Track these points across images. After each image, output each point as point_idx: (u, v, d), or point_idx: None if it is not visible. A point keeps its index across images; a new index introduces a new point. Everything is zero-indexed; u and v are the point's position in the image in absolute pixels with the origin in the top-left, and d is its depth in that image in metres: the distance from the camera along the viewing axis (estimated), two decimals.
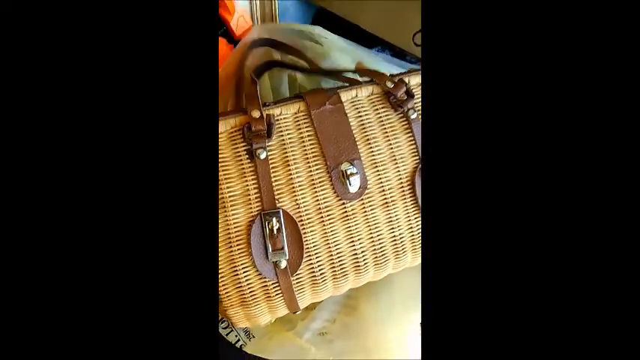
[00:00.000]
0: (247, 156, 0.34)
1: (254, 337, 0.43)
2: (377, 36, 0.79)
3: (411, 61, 0.70)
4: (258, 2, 0.58)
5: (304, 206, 0.35)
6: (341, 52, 0.51)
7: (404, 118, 0.37)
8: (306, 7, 0.67)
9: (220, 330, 0.44)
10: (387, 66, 0.52)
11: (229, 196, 0.33)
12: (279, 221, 0.33)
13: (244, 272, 0.34)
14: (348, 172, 0.35)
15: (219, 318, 0.44)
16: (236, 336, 0.43)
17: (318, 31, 0.52)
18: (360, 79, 0.45)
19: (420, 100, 0.38)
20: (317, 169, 0.35)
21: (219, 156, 0.33)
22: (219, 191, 0.33)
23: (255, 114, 0.34)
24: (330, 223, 0.35)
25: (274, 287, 0.35)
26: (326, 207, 0.35)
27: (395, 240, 0.37)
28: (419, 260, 0.40)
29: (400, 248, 0.37)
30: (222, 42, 0.55)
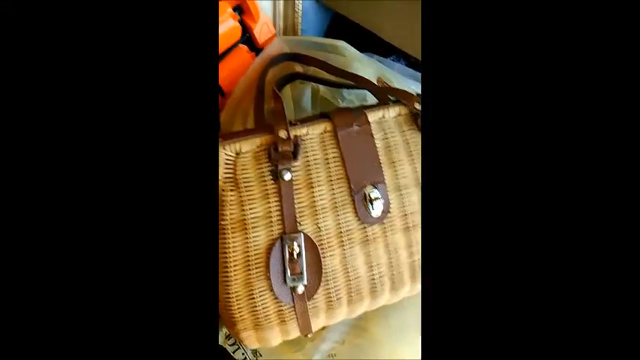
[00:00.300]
0: (271, 177, 0.33)
1: (261, 355, 0.42)
2: (392, 45, 0.78)
3: None
4: (281, 11, 0.57)
5: (325, 230, 0.34)
6: (363, 64, 0.51)
7: None
8: (324, 10, 0.67)
9: (227, 347, 0.43)
10: (405, 81, 0.51)
11: (251, 218, 0.32)
12: (299, 245, 0.33)
13: (261, 296, 0.33)
14: (372, 197, 0.34)
15: (227, 335, 0.43)
16: (243, 354, 0.42)
17: (341, 44, 0.51)
18: (380, 85, 0.44)
19: None
20: (340, 192, 0.34)
21: (244, 176, 0.33)
22: (242, 213, 0.32)
23: (283, 134, 0.33)
24: (349, 247, 0.34)
25: (289, 312, 0.34)
26: (347, 231, 0.34)
27: (414, 263, 0.36)
28: None
29: (418, 272, 0.36)
30: (244, 49, 0.54)
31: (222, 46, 0.51)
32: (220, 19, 0.49)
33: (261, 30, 0.53)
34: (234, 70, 0.52)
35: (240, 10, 0.52)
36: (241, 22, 0.52)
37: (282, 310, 0.34)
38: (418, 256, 0.36)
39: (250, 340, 0.35)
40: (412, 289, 0.38)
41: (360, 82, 0.42)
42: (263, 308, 0.33)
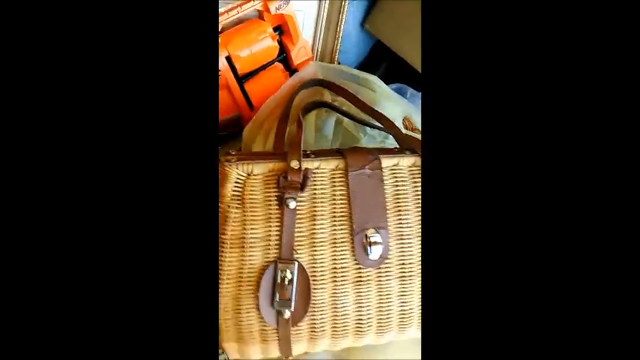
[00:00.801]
0: (277, 202, 0.34)
1: None
2: None
3: None
4: (322, 36, 0.59)
5: (320, 262, 0.35)
6: (391, 103, 0.51)
7: None
8: (367, 35, 0.68)
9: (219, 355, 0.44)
10: None
11: (251, 238, 0.34)
12: (292, 272, 0.34)
13: (247, 312, 0.34)
14: (372, 240, 0.35)
15: None
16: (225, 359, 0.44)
17: (373, 79, 0.52)
18: (404, 131, 0.45)
19: None
20: (341, 230, 0.35)
21: (251, 197, 0.34)
22: (242, 231, 0.34)
23: (294, 165, 0.34)
24: (342, 285, 0.35)
25: (272, 333, 0.35)
26: (342, 268, 0.35)
27: (403, 313, 0.36)
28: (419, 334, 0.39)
29: (407, 321, 0.37)
30: (279, 68, 0.56)
31: (257, 63, 0.53)
32: (259, 37, 0.51)
33: (298, 52, 0.55)
34: (266, 85, 0.54)
35: (280, 30, 0.54)
36: (280, 42, 0.54)
37: (265, 329, 0.35)
38: (410, 307, 0.36)
39: (232, 350, 0.36)
40: (398, 336, 0.38)
41: (384, 124, 0.43)
42: (248, 324, 0.34)
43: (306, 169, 0.34)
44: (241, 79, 0.53)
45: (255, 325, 0.35)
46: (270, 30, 0.52)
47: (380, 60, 0.82)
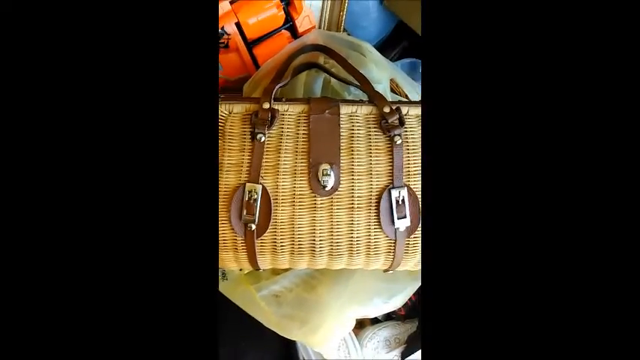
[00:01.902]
0: (250, 136, 0.42)
1: (227, 280, 0.52)
2: None
3: None
4: (328, 7, 0.65)
5: (282, 188, 0.42)
6: (378, 67, 0.56)
7: (389, 142, 0.42)
8: (389, 15, 0.70)
9: None
10: (416, 85, 0.56)
11: (227, 163, 0.42)
12: (257, 193, 0.41)
13: (222, 223, 0.43)
14: (324, 172, 0.41)
15: None
16: None
17: (366, 45, 0.58)
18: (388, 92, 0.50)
19: (410, 128, 0.42)
20: (301, 163, 0.42)
21: (230, 131, 0.42)
22: (221, 158, 0.42)
23: (265, 105, 0.41)
24: (299, 209, 0.42)
25: (242, 243, 0.43)
26: (300, 195, 0.42)
27: (351, 241, 0.43)
28: (374, 266, 0.45)
29: (355, 250, 0.43)
30: (285, 35, 0.63)
31: (264, 30, 0.60)
32: (265, 6, 0.58)
33: (303, 21, 0.62)
34: (273, 50, 0.61)
35: (286, 1, 0.61)
36: (286, 12, 0.61)
37: (235, 240, 0.43)
38: (357, 235, 0.42)
39: None
40: (349, 263, 0.44)
41: (360, 82, 0.49)
42: (222, 233, 0.43)
43: (273, 109, 0.42)
44: (250, 44, 0.61)
45: (227, 235, 0.43)
46: (277, 0, 0.59)
47: (400, 39, 0.85)
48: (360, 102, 0.44)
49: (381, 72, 0.56)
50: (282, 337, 0.48)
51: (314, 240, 0.43)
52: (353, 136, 0.42)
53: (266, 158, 0.42)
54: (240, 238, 0.43)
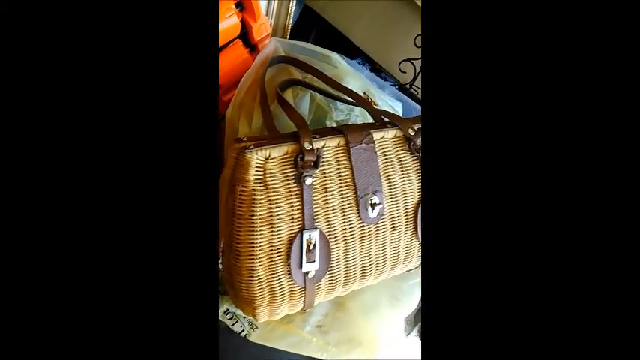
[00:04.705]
0: (294, 180, 0.39)
1: (257, 327, 0.48)
2: (362, 50, 0.86)
3: (385, 79, 0.79)
4: (274, 11, 0.60)
5: (334, 227, 0.41)
6: (352, 78, 0.57)
7: (417, 161, 0.45)
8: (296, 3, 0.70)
9: (226, 320, 0.48)
10: (387, 98, 0.59)
11: (277, 215, 0.38)
12: (315, 238, 0.39)
13: (279, 278, 0.39)
14: (373, 202, 0.42)
15: (225, 310, 0.49)
16: (241, 326, 0.48)
17: (334, 55, 0.57)
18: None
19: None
20: (347, 197, 0.42)
21: (271, 179, 0.38)
22: (269, 210, 0.38)
23: (308, 146, 0.39)
24: (350, 241, 0.42)
25: (300, 291, 0.41)
26: (350, 228, 0.42)
27: (394, 255, 0.46)
28: (406, 269, 0.49)
29: (396, 261, 0.46)
30: (239, 44, 0.56)
31: (222, 41, 0.53)
32: (225, 15, 0.51)
33: (259, 28, 0.56)
34: (231, 62, 0.55)
35: (241, 6, 0.54)
36: (242, 20, 0.54)
37: (294, 290, 0.41)
38: (398, 250, 0.45)
39: (263, 314, 0.41)
40: (389, 274, 0.47)
41: (356, 99, 0.49)
42: (280, 288, 0.40)
43: (318, 148, 0.39)
44: None
45: (285, 288, 0.40)
46: (233, 6, 0.52)
47: (309, 27, 0.85)
48: (382, 126, 0.45)
49: (356, 83, 0.57)
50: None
51: (365, 266, 0.44)
52: (387, 162, 0.44)
53: (314, 200, 0.40)
54: (299, 287, 0.41)
